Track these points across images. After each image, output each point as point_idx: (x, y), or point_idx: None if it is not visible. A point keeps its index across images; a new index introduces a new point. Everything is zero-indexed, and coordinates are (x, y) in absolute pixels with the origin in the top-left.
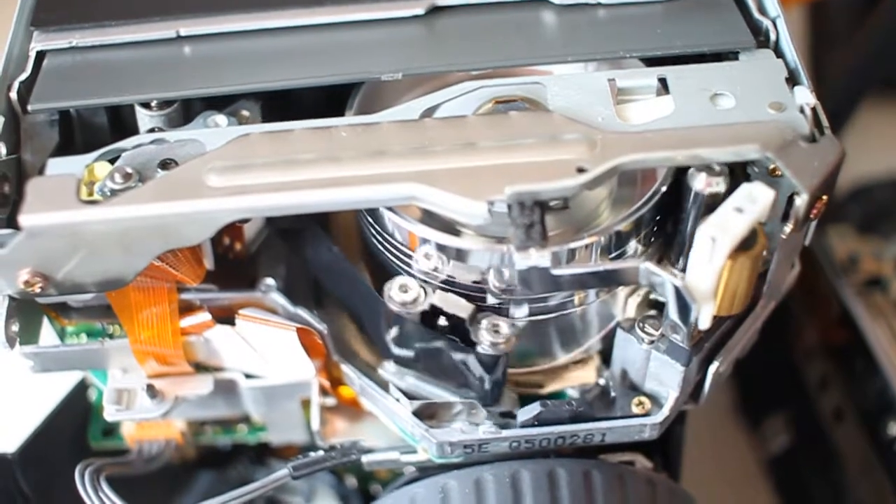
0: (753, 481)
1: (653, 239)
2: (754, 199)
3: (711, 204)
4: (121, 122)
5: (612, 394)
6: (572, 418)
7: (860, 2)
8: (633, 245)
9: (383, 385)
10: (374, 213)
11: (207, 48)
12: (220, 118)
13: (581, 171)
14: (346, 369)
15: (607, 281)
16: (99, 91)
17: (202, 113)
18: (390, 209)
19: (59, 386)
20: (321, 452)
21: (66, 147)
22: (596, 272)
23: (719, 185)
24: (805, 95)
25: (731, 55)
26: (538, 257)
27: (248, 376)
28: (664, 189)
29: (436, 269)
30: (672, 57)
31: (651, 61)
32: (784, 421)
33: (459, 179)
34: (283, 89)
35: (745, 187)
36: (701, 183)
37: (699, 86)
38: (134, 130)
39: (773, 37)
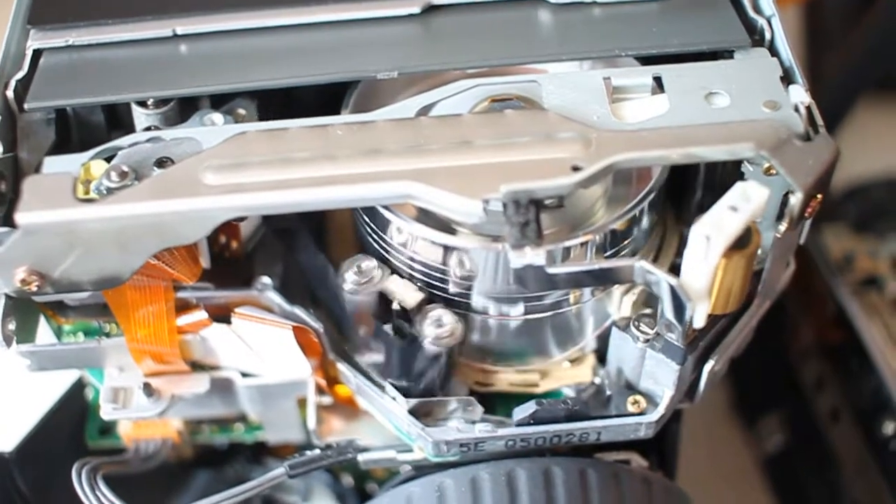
0: (749, 480)
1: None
2: (749, 198)
3: None
4: (117, 121)
5: (608, 392)
6: (568, 417)
7: (855, 1)
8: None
9: (379, 384)
10: None
11: (204, 47)
12: (217, 116)
13: (576, 169)
14: (343, 368)
15: (602, 279)
16: (95, 89)
17: (198, 111)
18: None
19: (56, 385)
20: (317, 451)
21: (63, 145)
22: (591, 271)
23: None
24: (800, 94)
25: (727, 54)
26: (533, 256)
27: (244, 375)
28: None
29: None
30: (667, 55)
31: (646, 60)
32: (779, 420)
33: (455, 178)
34: (279, 88)
35: (739, 186)
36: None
37: (694, 84)
38: (130, 129)
39: (768, 35)
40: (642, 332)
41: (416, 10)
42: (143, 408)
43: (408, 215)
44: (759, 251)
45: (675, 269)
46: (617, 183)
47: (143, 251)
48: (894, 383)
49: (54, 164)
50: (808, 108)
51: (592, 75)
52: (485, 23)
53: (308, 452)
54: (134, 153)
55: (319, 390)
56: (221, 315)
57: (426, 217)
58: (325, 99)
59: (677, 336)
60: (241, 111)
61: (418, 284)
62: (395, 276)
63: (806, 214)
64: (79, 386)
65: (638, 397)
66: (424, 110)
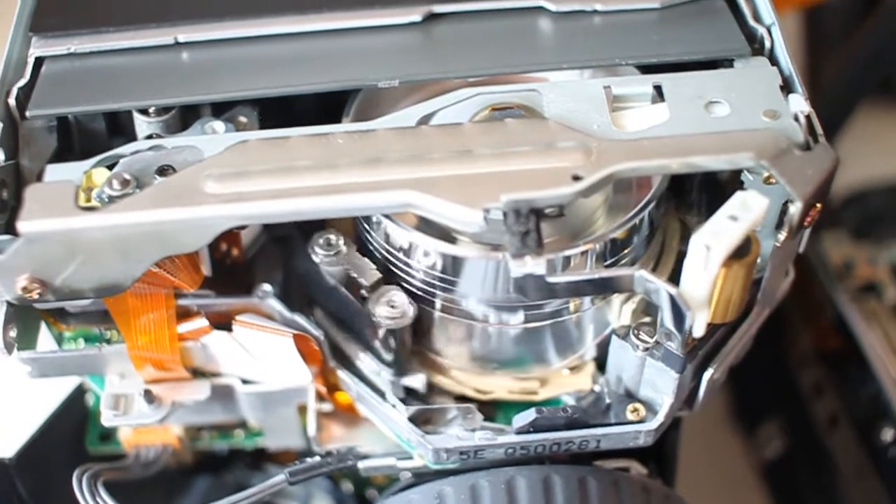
0: (748, 487)
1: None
2: (748, 207)
3: None
4: (119, 129)
5: (607, 400)
6: (567, 425)
7: (855, 8)
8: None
9: (380, 391)
10: None
11: (205, 55)
12: (218, 125)
13: (577, 178)
14: (343, 375)
15: (602, 288)
16: (97, 97)
17: (200, 119)
18: None
19: (57, 391)
20: (318, 458)
21: (64, 153)
22: (591, 280)
23: None
24: (799, 103)
25: (726, 63)
26: (533, 265)
27: (245, 382)
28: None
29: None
30: (667, 64)
31: (646, 69)
32: (778, 427)
33: (455, 187)
34: (280, 96)
35: (739, 195)
36: None
37: (694, 93)
38: (132, 137)
39: (767, 44)
40: (642, 340)
41: (417, 18)
42: (143, 414)
43: (408, 224)
44: (759, 260)
45: (675, 278)
46: (617, 191)
47: (144, 259)
48: (893, 390)
49: (56, 172)
50: (808, 118)
51: (593, 84)
52: (486, 31)
53: (308, 459)
54: (135, 161)
55: (320, 397)
56: (222, 322)
57: (427, 226)
58: (326, 107)
59: (677, 345)
60: (243, 119)
61: (418, 293)
62: (358, 254)
63: (805, 223)
64: (79, 392)
65: (637, 405)
66: (425, 119)
